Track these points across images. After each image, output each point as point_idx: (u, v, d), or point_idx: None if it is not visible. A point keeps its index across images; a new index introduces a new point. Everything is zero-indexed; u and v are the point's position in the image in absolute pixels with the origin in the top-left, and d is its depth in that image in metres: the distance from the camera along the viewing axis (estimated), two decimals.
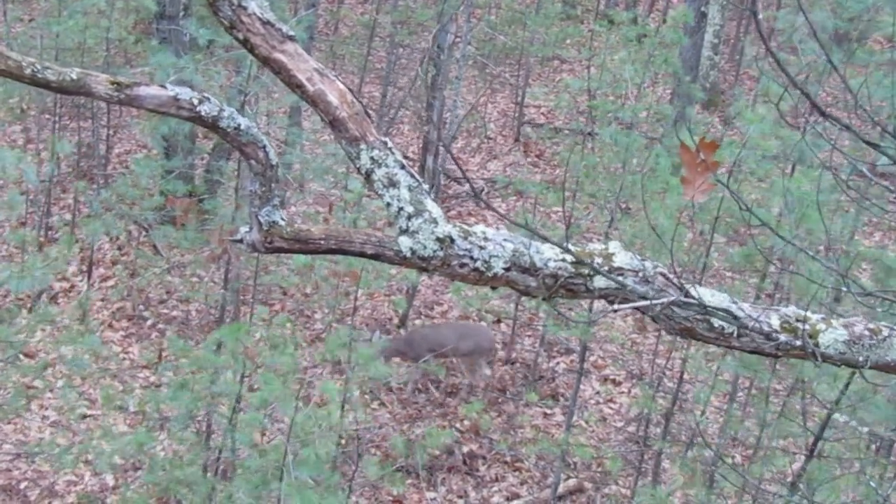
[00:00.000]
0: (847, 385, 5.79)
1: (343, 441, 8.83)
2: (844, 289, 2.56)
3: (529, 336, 11.13)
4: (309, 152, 12.19)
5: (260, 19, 2.90)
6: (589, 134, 10.54)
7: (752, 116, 7.43)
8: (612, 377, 10.60)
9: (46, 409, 9.49)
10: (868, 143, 2.11)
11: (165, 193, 10.53)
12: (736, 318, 2.71)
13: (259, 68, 8.08)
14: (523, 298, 9.80)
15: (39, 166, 11.26)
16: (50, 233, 11.66)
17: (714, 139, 2.10)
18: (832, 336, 2.98)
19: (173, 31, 11.08)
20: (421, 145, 13.50)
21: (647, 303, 2.63)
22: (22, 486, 8.69)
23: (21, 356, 9.02)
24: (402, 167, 3.00)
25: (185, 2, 11.58)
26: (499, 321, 11.30)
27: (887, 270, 6.30)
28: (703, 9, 14.29)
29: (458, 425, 9.65)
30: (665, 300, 2.64)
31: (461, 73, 13.23)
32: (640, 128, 10.48)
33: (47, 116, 12.83)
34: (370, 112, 2.99)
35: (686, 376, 8.58)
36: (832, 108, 13.39)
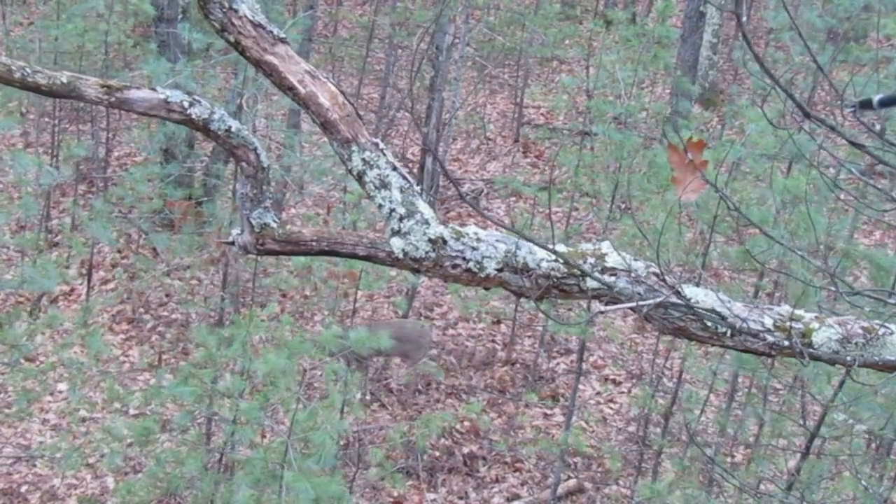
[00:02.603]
0: (842, 383, 5.79)
1: (344, 442, 8.83)
2: (832, 288, 2.56)
3: (529, 336, 11.13)
4: (308, 154, 12.19)
5: (251, 21, 2.90)
6: (586, 133, 10.55)
7: (754, 115, 7.43)
8: (612, 377, 10.60)
9: (47, 412, 9.50)
10: (852, 143, 2.11)
11: (164, 197, 10.54)
12: (723, 318, 2.70)
13: (257, 71, 8.07)
14: (523, 299, 9.79)
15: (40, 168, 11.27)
16: (50, 236, 11.67)
17: (702, 138, 2.10)
18: (825, 335, 2.97)
19: (171, 35, 11.09)
20: (420, 147, 13.50)
21: (634, 304, 2.63)
22: (22, 489, 8.70)
23: (21, 359, 9.03)
24: (394, 168, 2.99)
25: (183, 5, 11.58)
26: (498, 322, 11.30)
27: (880, 270, 6.29)
28: (701, 8, 14.28)
29: (458, 426, 9.64)
30: (652, 301, 2.64)
31: (460, 75, 13.22)
32: (639, 128, 10.48)
33: (47, 120, 12.84)
34: (364, 114, 2.99)
35: (686, 376, 8.58)
36: (829, 107, 13.38)
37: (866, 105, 1.20)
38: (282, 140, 11.24)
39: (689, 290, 2.92)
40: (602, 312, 2.54)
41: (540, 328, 10.76)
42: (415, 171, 12.73)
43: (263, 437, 7.82)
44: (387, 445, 8.69)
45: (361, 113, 3.05)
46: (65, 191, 12.45)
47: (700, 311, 2.64)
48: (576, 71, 16.43)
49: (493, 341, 11.02)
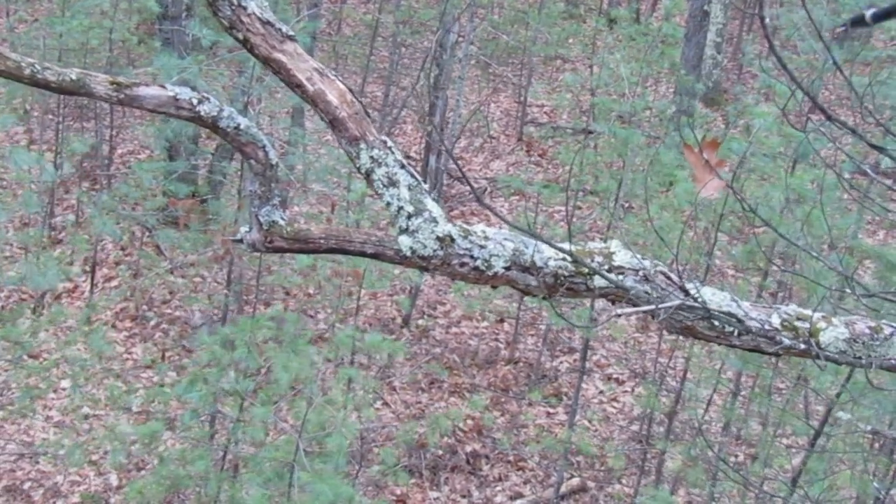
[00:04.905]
0: (847, 380, 5.78)
1: (347, 440, 8.83)
2: (848, 290, 2.55)
3: (532, 335, 11.13)
4: (311, 153, 12.19)
5: (259, 19, 2.90)
6: (589, 132, 10.55)
7: (759, 112, 7.44)
8: (615, 376, 10.60)
9: (50, 409, 9.50)
10: (873, 146, 2.10)
11: (168, 194, 10.54)
12: (740, 321, 2.69)
13: (262, 69, 8.07)
14: (526, 298, 9.79)
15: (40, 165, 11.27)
16: (53, 233, 11.67)
17: (715, 137, 2.10)
18: (833, 334, 2.96)
19: (176, 32, 11.08)
20: (424, 145, 13.51)
21: (652, 307, 2.61)
22: (26, 486, 8.70)
23: (25, 356, 9.03)
24: (402, 166, 2.98)
25: (187, 2, 11.58)
26: (502, 320, 11.30)
27: (890, 267, 6.29)
28: (705, 7, 14.28)
29: (461, 425, 9.65)
30: (670, 304, 2.62)
31: (464, 73, 13.22)
32: (643, 126, 10.48)
33: (50, 117, 12.84)
34: (370, 112, 2.99)
35: (689, 375, 8.58)
36: (833, 106, 13.37)
37: (858, 22, 1.17)
38: (286, 138, 11.24)
39: (699, 291, 2.91)
40: (618, 315, 2.53)
41: (543, 327, 10.76)
42: (418, 169, 12.73)
43: (267, 435, 7.83)
44: (393, 444, 8.70)
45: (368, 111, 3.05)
46: (68, 188, 12.45)
47: (717, 314, 2.63)
48: (579, 69, 16.43)
49: (497, 340, 11.02)
